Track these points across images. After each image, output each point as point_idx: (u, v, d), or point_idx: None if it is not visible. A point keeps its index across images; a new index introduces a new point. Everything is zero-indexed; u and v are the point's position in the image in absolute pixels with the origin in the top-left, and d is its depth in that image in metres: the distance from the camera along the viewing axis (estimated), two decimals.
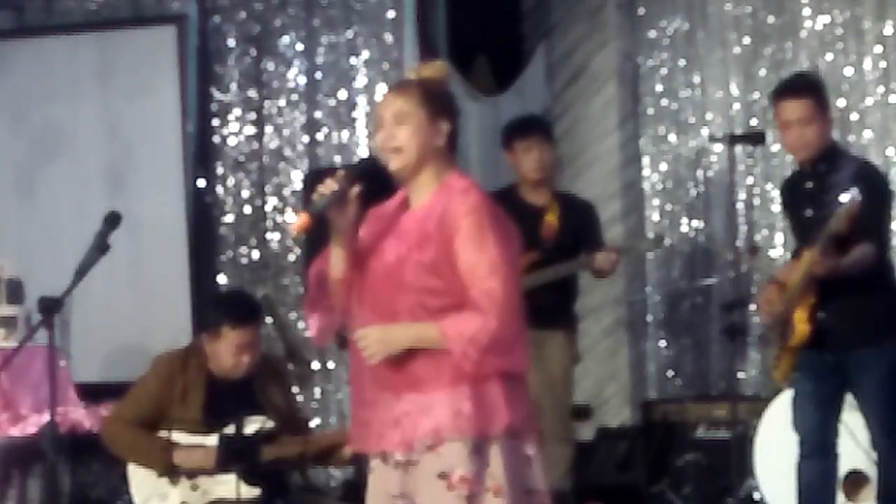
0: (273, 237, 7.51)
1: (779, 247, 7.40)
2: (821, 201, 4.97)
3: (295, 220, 3.48)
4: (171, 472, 4.92)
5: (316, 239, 3.72)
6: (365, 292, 3.54)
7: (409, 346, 3.44)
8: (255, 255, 7.52)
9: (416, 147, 3.49)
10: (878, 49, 7.28)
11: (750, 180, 7.47)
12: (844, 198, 4.67)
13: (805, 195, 5.07)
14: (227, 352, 4.95)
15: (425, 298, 3.44)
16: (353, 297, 3.57)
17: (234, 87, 7.56)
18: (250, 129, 7.54)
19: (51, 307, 4.18)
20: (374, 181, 3.55)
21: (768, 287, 5.20)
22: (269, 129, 7.53)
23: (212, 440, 4.90)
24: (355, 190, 3.49)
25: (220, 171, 7.56)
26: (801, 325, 4.96)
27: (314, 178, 3.49)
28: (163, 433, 4.93)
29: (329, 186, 3.45)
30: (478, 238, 3.44)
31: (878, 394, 4.97)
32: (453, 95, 3.68)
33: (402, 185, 3.57)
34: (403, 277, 3.46)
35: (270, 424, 4.95)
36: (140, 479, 4.98)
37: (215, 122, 7.56)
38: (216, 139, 7.56)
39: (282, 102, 7.52)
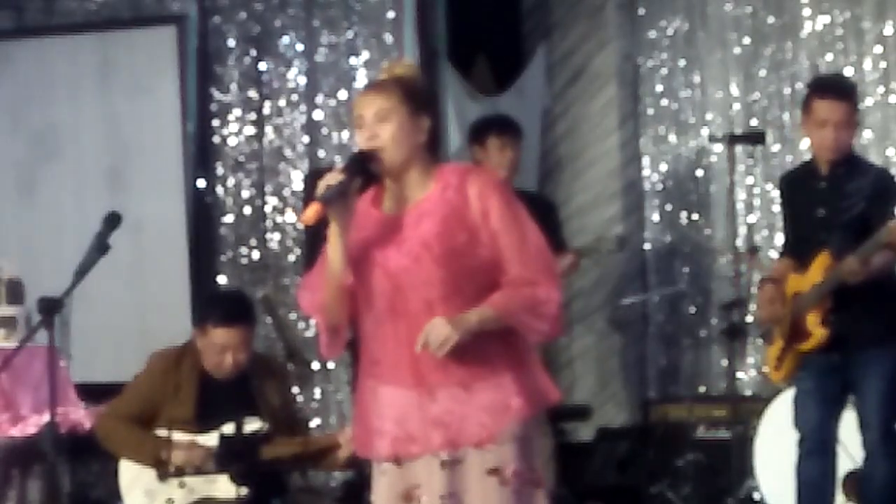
0: (273, 237, 7.50)
1: (779, 247, 7.39)
2: (836, 205, 5.05)
3: (306, 212, 3.38)
4: (165, 469, 4.88)
5: (317, 240, 3.70)
6: (382, 306, 3.44)
7: (476, 329, 3.33)
8: (256, 255, 7.52)
9: (401, 144, 3.43)
10: (878, 49, 7.27)
11: (750, 180, 7.46)
12: None
13: (818, 195, 5.10)
14: (210, 350, 4.93)
15: (461, 283, 3.39)
16: (370, 318, 3.47)
17: (234, 87, 7.55)
18: (250, 130, 7.54)
19: (51, 307, 4.17)
20: (365, 177, 3.51)
21: (765, 287, 5.23)
22: (269, 129, 7.53)
23: (210, 439, 4.89)
24: (356, 184, 3.44)
25: (220, 171, 7.56)
26: (816, 329, 5.00)
27: (316, 177, 3.47)
28: (158, 431, 4.92)
29: (334, 178, 3.38)
30: (513, 215, 3.41)
31: (881, 392, 5.01)
32: (432, 91, 3.63)
33: (394, 183, 3.49)
34: (430, 272, 3.38)
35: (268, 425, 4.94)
36: (129, 476, 4.96)
37: (215, 122, 7.56)
38: (216, 139, 7.56)
39: (282, 103, 7.51)
